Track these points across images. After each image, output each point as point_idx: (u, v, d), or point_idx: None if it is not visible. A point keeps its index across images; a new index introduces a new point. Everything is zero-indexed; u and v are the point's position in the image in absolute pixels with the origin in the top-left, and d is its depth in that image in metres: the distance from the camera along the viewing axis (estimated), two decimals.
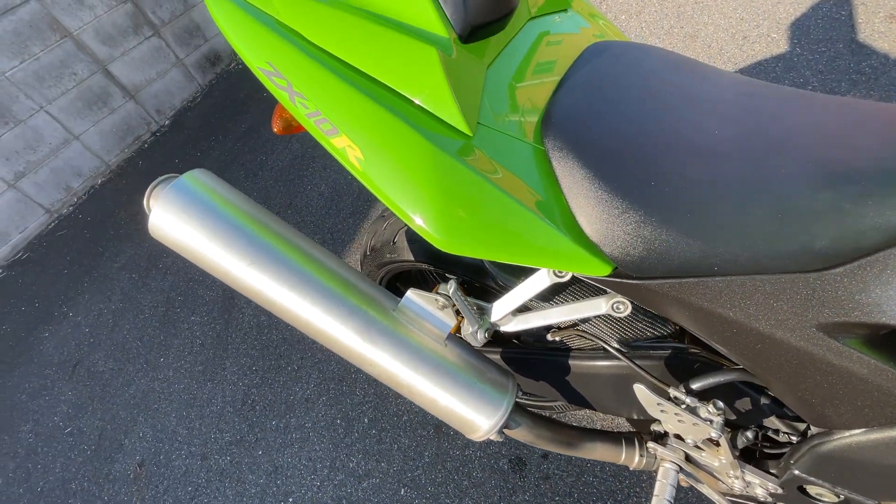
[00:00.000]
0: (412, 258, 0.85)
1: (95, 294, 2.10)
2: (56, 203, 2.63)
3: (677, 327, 0.69)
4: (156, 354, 1.81)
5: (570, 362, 0.74)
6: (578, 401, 0.83)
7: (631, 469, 0.89)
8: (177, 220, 0.62)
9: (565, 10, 0.66)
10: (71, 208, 2.67)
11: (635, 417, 0.79)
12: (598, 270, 0.47)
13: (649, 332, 0.68)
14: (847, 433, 0.50)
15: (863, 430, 0.49)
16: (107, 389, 1.74)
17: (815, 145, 0.43)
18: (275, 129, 0.64)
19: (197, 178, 0.64)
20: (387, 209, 0.96)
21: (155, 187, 0.64)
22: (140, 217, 2.44)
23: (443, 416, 0.70)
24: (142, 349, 1.84)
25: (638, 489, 1.10)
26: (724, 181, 0.44)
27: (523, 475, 1.19)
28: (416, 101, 0.46)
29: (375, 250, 0.93)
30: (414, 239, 0.86)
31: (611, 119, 0.49)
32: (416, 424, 1.35)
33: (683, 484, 0.82)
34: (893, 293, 0.38)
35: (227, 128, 2.79)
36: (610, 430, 1.13)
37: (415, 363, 0.67)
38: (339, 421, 1.43)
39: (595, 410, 0.86)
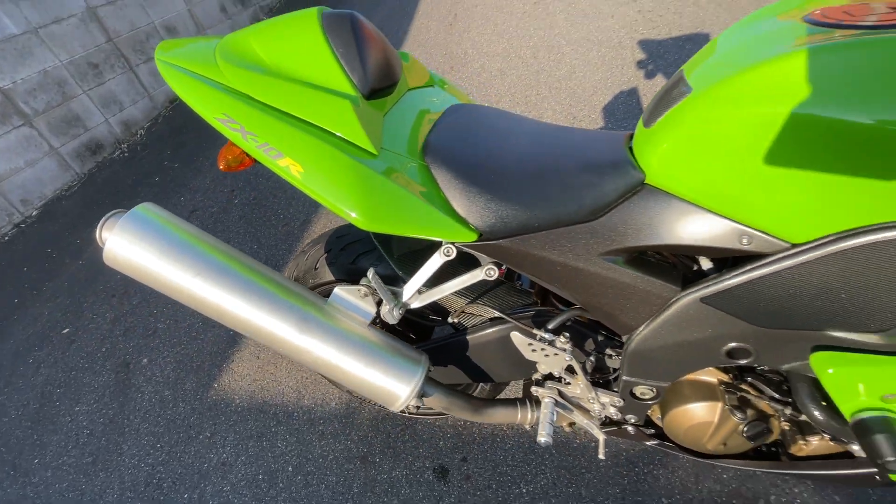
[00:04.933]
0: (333, 277, 1.02)
1: None
2: None
3: (538, 297, 0.96)
4: (28, 457, 1.59)
5: (470, 339, 0.95)
6: (482, 376, 1.03)
7: (527, 428, 1.08)
8: (130, 245, 0.74)
9: (432, 86, 0.97)
10: None
11: (523, 380, 1.01)
12: (468, 237, 0.72)
13: (520, 301, 0.93)
14: (637, 332, 0.78)
15: (643, 325, 0.76)
16: None
17: (577, 150, 0.75)
18: (221, 167, 0.81)
19: (147, 208, 0.77)
20: (307, 246, 1.13)
21: (107, 220, 0.76)
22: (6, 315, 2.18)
23: (368, 392, 0.85)
24: (7, 455, 1.60)
25: (545, 468, 1.29)
26: (533, 174, 0.73)
27: (447, 481, 1.30)
28: (337, 134, 0.69)
29: (299, 279, 1.08)
30: (332, 262, 1.04)
31: (465, 144, 0.77)
32: (342, 460, 1.40)
33: (566, 427, 1.04)
34: (630, 228, 0.68)
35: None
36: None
37: (344, 347, 0.82)
38: (260, 476, 1.41)
39: (494, 381, 1.06)
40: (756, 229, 0.61)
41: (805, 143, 0.53)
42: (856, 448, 0.76)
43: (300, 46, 0.72)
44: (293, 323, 0.80)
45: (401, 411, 0.94)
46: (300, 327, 0.80)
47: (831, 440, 0.79)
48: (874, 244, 0.54)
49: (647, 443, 1.01)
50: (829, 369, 0.63)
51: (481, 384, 1.21)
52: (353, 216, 0.66)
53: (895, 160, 0.50)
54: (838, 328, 0.62)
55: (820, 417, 0.72)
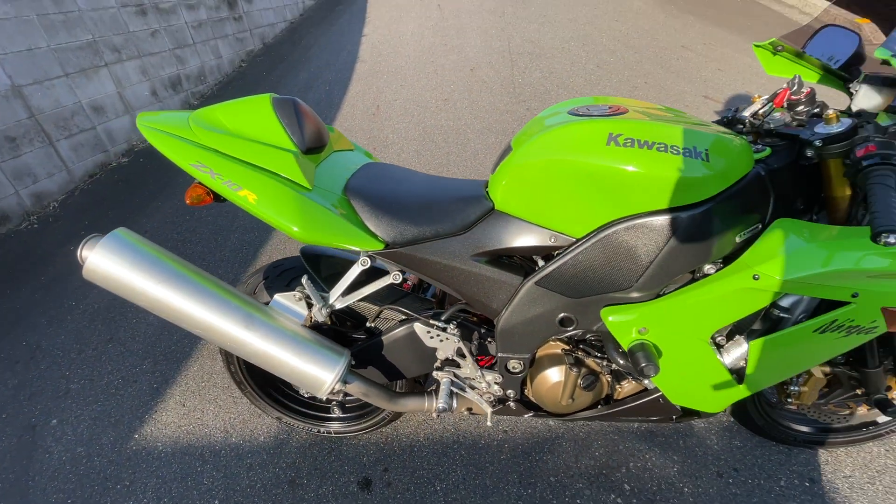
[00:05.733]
0: (269, 299, 1.24)
1: None
2: None
3: (437, 304, 1.25)
4: None
5: (385, 340, 1.20)
6: (396, 374, 1.27)
7: (434, 416, 1.31)
8: (107, 261, 0.94)
9: (352, 150, 1.31)
10: None
11: (428, 372, 1.27)
12: (377, 246, 1.01)
13: (423, 306, 1.22)
14: (501, 315, 1.09)
15: (504, 309, 1.09)
16: None
17: (452, 190, 1.11)
18: (187, 202, 1.04)
19: (122, 231, 0.98)
20: (247, 277, 1.34)
21: (87, 242, 0.96)
22: None
23: (300, 378, 1.06)
24: None
25: (455, 466, 1.49)
26: (423, 204, 1.06)
27: (370, 490, 1.44)
28: (282, 174, 0.98)
29: None
30: (269, 287, 1.26)
31: (376, 185, 1.09)
32: (271, 486, 1.48)
33: (464, 412, 1.29)
34: (487, 238, 1.02)
35: (20, 280, 2.61)
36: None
37: (279, 341, 1.04)
38: None
39: (406, 378, 1.29)
40: (557, 231, 0.98)
41: (568, 176, 0.92)
42: (647, 383, 1.11)
43: (256, 118, 1.03)
44: (240, 322, 1.02)
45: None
46: (245, 325, 1.02)
47: (633, 379, 1.14)
48: (616, 232, 0.93)
49: (526, 415, 1.28)
50: (609, 318, 0.99)
51: (398, 382, 1.43)
52: (295, 230, 0.94)
53: (615, 183, 0.90)
54: (610, 290, 0.99)
55: (620, 360, 1.06)
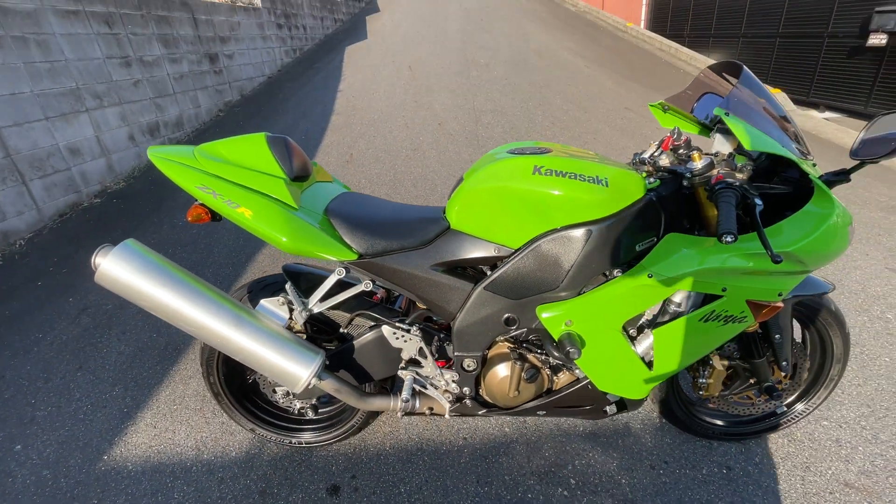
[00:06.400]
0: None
1: None
2: None
3: (403, 309, 1.44)
4: None
5: (356, 344, 1.37)
6: (365, 377, 1.42)
7: (399, 415, 1.45)
8: (118, 268, 1.10)
9: (332, 182, 1.54)
10: None
11: (394, 374, 1.43)
12: (352, 256, 1.21)
13: (392, 314, 1.40)
14: (456, 317, 1.29)
15: (459, 311, 1.29)
16: None
17: (416, 213, 1.33)
18: (188, 219, 1.22)
19: (132, 242, 1.15)
20: (233, 293, 1.49)
21: (100, 250, 1.11)
22: None
23: (279, 374, 1.21)
24: None
25: (419, 470, 1.60)
26: (391, 223, 1.28)
27: (339, 495, 1.54)
28: (273, 196, 1.19)
29: None
30: (253, 300, 1.42)
31: (352, 208, 1.31)
32: (241, 497, 1.54)
33: (426, 411, 1.44)
34: (443, 252, 1.24)
35: None
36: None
37: (264, 340, 1.20)
38: None
39: (374, 379, 1.44)
40: (500, 244, 1.21)
41: (504, 198, 1.17)
42: (578, 372, 1.32)
43: (252, 151, 1.25)
44: (230, 322, 1.17)
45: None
46: (235, 325, 1.17)
47: (567, 370, 1.34)
48: (544, 242, 1.17)
49: (480, 412, 1.45)
50: (543, 314, 1.21)
51: (366, 386, 1.57)
52: (283, 240, 1.13)
53: (540, 203, 1.15)
54: (543, 290, 1.21)
55: (554, 352, 1.27)
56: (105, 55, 4.33)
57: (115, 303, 2.68)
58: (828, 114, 6.97)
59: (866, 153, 1.07)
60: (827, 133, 5.59)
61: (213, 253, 3.16)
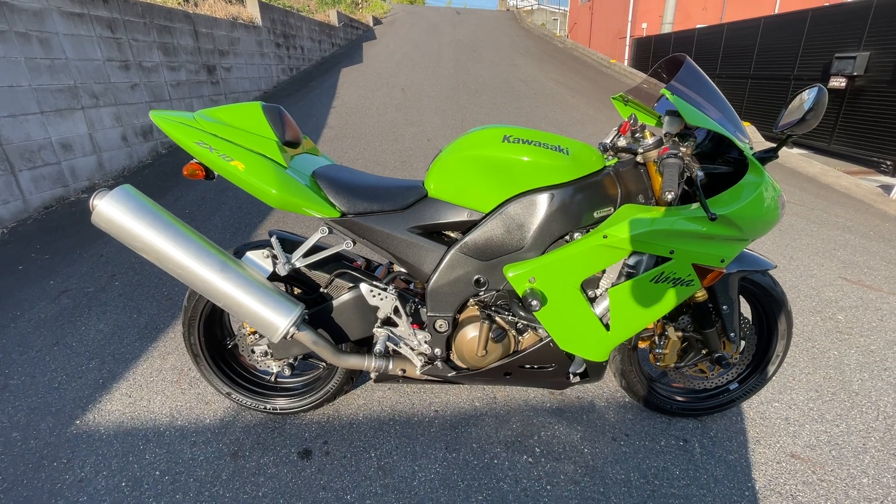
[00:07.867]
0: None
1: None
2: None
3: (383, 275, 1.53)
4: None
5: (335, 303, 1.44)
6: (342, 337, 1.49)
7: (372, 376, 1.51)
8: (115, 210, 1.17)
9: (320, 155, 1.64)
10: None
11: (370, 336, 1.50)
12: (335, 214, 1.31)
13: (372, 278, 1.49)
14: (430, 278, 1.38)
15: (433, 272, 1.38)
16: None
17: (397, 182, 1.44)
18: (184, 174, 1.31)
19: (128, 187, 1.23)
20: None
21: (98, 192, 1.19)
22: None
23: (259, 322, 1.28)
24: None
25: (389, 437, 1.65)
26: (373, 187, 1.38)
27: (310, 458, 1.57)
28: (266, 155, 1.29)
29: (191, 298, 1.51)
30: None
31: (338, 173, 1.41)
32: (213, 459, 1.57)
33: (399, 373, 1.51)
34: (420, 215, 1.35)
35: None
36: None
37: (247, 288, 1.27)
38: (123, 484, 1.49)
39: (351, 340, 1.50)
40: (471, 209, 1.32)
41: (476, 165, 1.29)
42: (542, 332, 1.41)
43: (248, 115, 1.35)
44: (216, 269, 1.25)
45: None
46: (220, 272, 1.25)
47: (532, 331, 1.43)
48: (511, 206, 1.28)
49: (450, 374, 1.52)
50: (510, 273, 1.31)
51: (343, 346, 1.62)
52: (273, 192, 1.23)
53: (507, 169, 1.27)
54: (509, 251, 1.32)
55: (521, 312, 1.36)
56: (105, 57, 4.46)
57: (96, 286, 2.70)
58: (795, 150, 7.40)
59: (785, 125, 1.22)
60: (791, 163, 5.93)
61: None
